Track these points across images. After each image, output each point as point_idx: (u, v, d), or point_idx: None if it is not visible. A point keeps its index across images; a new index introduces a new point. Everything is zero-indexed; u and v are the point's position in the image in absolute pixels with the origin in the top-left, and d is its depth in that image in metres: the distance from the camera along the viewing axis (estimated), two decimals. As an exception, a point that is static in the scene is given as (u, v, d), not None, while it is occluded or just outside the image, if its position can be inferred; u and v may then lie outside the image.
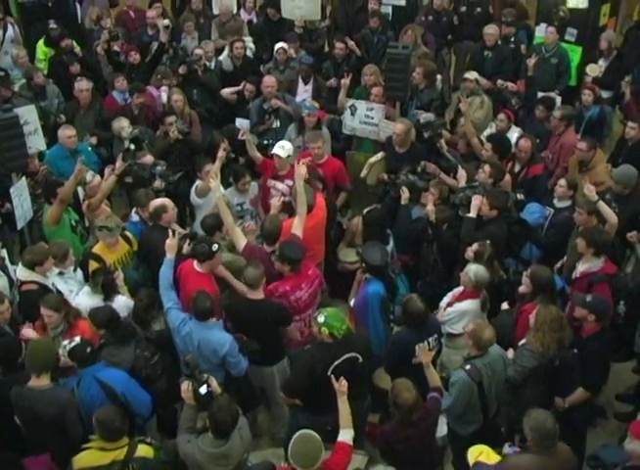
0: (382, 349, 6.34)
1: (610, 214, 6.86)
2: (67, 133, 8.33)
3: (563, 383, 5.81)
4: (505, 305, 6.59)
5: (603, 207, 6.90)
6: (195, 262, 6.39)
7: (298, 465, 4.77)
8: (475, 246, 6.63)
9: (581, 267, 6.54)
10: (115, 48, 10.47)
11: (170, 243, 6.28)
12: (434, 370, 5.72)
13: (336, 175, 8.37)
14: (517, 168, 8.17)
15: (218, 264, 6.48)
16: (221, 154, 7.57)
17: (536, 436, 4.77)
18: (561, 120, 8.58)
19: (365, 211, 7.64)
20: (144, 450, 5.09)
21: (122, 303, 6.36)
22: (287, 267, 6.43)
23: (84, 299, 6.40)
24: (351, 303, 6.70)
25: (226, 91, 9.92)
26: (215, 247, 6.33)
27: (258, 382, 6.36)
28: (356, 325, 6.46)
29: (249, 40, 10.97)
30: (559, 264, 7.16)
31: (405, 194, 7.53)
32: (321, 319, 5.53)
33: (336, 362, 5.54)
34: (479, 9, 11.83)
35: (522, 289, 6.35)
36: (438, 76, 9.93)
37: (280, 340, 6.38)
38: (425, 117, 8.74)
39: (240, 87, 9.83)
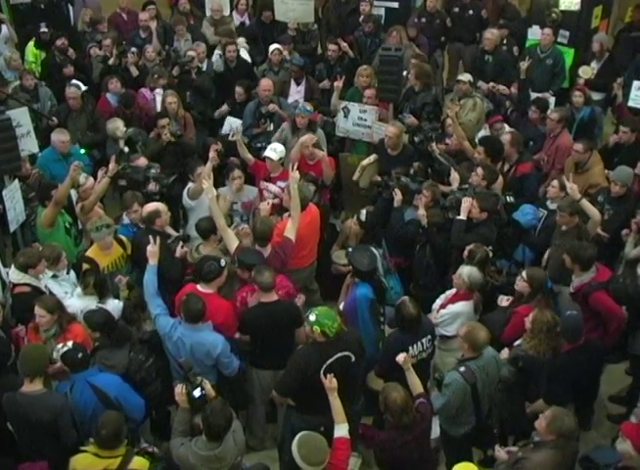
0: (373, 350, 6.34)
1: (593, 211, 6.92)
2: (60, 138, 8.31)
3: (531, 388, 5.84)
4: (504, 303, 6.56)
5: (585, 204, 6.94)
6: (199, 285, 6.22)
7: (312, 465, 4.81)
8: (470, 246, 6.64)
9: (575, 282, 6.52)
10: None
11: (152, 249, 6.17)
12: (415, 375, 5.66)
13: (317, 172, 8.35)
14: (506, 168, 8.17)
15: (224, 280, 6.34)
16: (212, 155, 7.56)
17: (563, 439, 4.94)
18: (558, 122, 8.59)
19: (364, 217, 7.57)
20: (138, 463, 5.05)
21: (114, 306, 6.34)
22: (246, 274, 6.42)
23: (75, 301, 6.38)
24: (340, 306, 6.68)
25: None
26: (223, 262, 6.23)
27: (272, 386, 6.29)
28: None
29: (242, 41, 10.95)
30: (544, 262, 7.20)
31: (398, 196, 7.53)
32: (312, 318, 5.50)
33: (328, 361, 5.53)
34: (471, 11, 11.85)
35: (517, 288, 6.37)
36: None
37: (293, 343, 6.34)
38: (409, 121, 8.77)
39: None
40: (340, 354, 5.58)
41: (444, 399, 5.65)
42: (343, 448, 5.10)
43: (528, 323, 5.82)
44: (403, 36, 10.58)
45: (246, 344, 6.25)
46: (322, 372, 5.45)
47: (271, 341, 6.13)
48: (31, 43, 10.88)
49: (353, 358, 5.66)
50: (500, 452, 5.41)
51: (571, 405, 5.74)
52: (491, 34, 10.49)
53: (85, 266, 6.66)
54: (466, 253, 6.63)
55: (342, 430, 5.20)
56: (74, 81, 9.47)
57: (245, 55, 10.72)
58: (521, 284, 6.32)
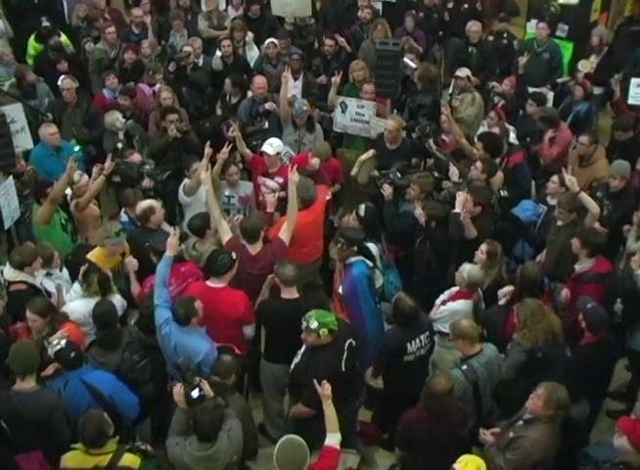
0: (376, 326, 6.53)
1: (592, 205, 6.90)
2: (48, 131, 8.23)
3: (546, 380, 5.79)
4: (502, 301, 6.47)
5: (585, 197, 6.93)
6: (209, 281, 6.23)
7: None
8: (484, 245, 6.59)
9: (577, 268, 6.52)
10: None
11: (172, 241, 6.15)
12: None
13: (333, 175, 8.35)
14: (497, 161, 8.03)
15: (234, 273, 6.33)
16: (208, 151, 7.49)
17: (561, 412, 5.10)
18: (541, 121, 8.62)
19: (363, 212, 7.51)
20: (129, 460, 5.01)
21: (117, 301, 6.32)
22: (155, 258, 6.44)
23: (80, 304, 6.27)
24: (340, 290, 6.64)
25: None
26: (234, 255, 6.24)
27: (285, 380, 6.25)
28: (348, 313, 6.53)
29: (251, 37, 10.86)
30: (538, 259, 7.20)
31: (387, 191, 7.53)
32: (315, 324, 5.48)
33: (343, 357, 5.61)
34: (466, 5, 11.79)
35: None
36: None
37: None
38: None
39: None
40: (347, 344, 5.65)
41: None
42: (330, 458, 5.03)
43: (515, 319, 5.86)
44: (387, 29, 10.51)
45: (246, 357, 6.22)
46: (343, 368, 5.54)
47: (287, 336, 6.05)
48: (33, 37, 10.80)
49: (354, 343, 5.73)
50: (486, 435, 5.44)
51: (585, 401, 5.85)
52: (477, 27, 10.47)
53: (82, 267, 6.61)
54: (482, 255, 6.57)
55: (332, 439, 5.12)
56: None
57: (254, 52, 10.71)
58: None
